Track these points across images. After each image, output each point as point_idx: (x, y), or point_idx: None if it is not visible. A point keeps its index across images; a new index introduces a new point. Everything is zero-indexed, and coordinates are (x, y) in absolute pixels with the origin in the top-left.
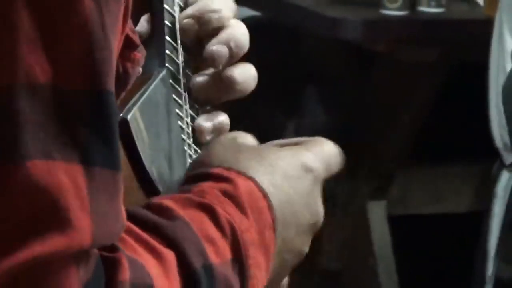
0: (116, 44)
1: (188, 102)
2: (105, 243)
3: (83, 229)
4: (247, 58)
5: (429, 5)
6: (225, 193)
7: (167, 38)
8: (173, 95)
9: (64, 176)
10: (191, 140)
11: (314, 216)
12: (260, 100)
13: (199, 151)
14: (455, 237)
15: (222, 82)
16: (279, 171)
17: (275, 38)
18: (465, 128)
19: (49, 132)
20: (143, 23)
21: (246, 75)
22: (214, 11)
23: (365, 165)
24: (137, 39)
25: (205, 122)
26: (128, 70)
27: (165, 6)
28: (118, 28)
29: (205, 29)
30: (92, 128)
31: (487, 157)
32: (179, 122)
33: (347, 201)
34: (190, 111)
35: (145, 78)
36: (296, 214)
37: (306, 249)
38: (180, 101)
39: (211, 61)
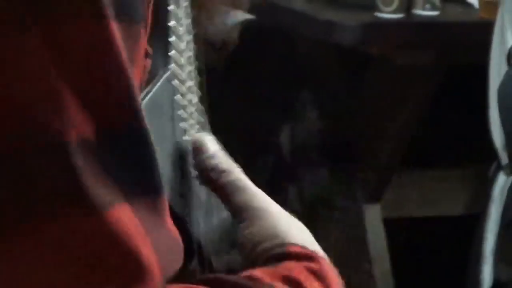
0: (136, 72)
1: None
2: (172, 268)
3: (154, 267)
4: (242, 61)
5: (424, 8)
6: (311, 271)
7: (171, 39)
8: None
9: (127, 219)
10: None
11: None
12: (255, 104)
13: None
14: (450, 240)
15: None
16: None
17: (270, 42)
18: (460, 131)
19: (101, 178)
20: None
21: None
22: None
23: (360, 168)
24: (149, 48)
25: None
26: (141, 77)
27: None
28: (136, 59)
29: None
30: (133, 163)
31: (482, 160)
32: (182, 124)
33: (343, 204)
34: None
35: (149, 79)
36: None
37: None
38: (183, 102)
39: None
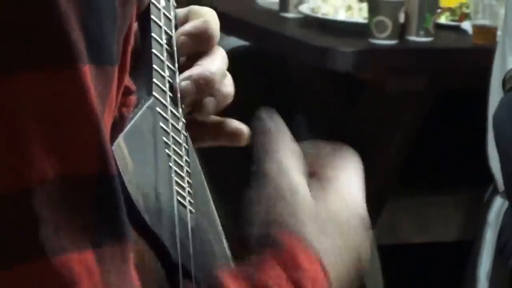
0: (108, 119)
1: (176, 130)
2: None
3: None
4: (235, 86)
5: (418, 35)
6: (293, 281)
7: (155, 66)
8: (161, 123)
9: (80, 268)
10: (183, 170)
11: (363, 256)
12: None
13: (187, 179)
14: (445, 266)
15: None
16: (338, 235)
17: (263, 68)
18: (452, 157)
19: (61, 225)
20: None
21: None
22: (209, 28)
23: None
24: (132, 85)
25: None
26: (124, 114)
27: (153, 34)
28: (109, 103)
29: (200, 45)
30: (100, 211)
31: (474, 185)
32: (166, 150)
33: None
34: (177, 138)
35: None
36: (348, 270)
37: None
38: (167, 129)
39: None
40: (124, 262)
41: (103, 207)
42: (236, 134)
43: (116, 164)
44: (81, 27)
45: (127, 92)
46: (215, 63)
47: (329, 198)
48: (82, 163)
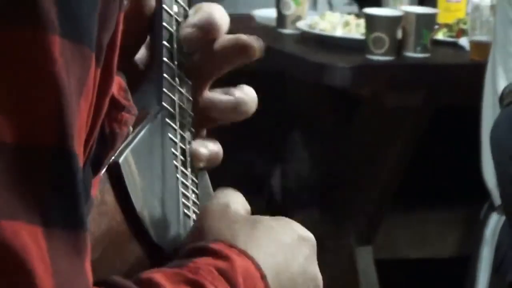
0: (84, 107)
1: (183, 140)
2: None
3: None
4: None
5: (415, 51)
6: (221, 272)
7: (165, 75)
8: (169, 134)
9: (28, 238)
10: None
11: (313, 282)
12: (245, 145)
13: (195, 190)
14: (442, 281)
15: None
16: (277, 245)
17: (261, 84)
18: (450, 173)
19: (13, 191)
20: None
21: (249, 96)
22: (215, 20)
23: (351, 210)
24: (124, 100)
25: (202, 149)
26: (115, 130)
27: (164, 42)
28: (86, 91)
29: (206, 38)
30: (54, 188)
31: (471, 202)
32: (174, 162)
33: (335, 246)
34: (185, 147)
35: (141, 117)
36: (295, 286)
37: None
38: (175, 139)
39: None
40: (77, 253)
41: (56, 183)
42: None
43: (123, 179)
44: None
45: (119, 107)
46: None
47: (271, 223)
48: (39, 133)
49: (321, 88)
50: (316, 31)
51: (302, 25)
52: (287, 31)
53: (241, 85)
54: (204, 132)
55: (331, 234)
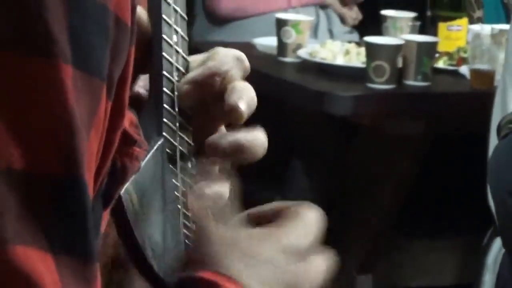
0: (94, 138)
1: (184, 169)
2: None
3: None
4: None
5: (415, 79)
6: None
7: (165, 106)
8: (170, 164)
9: (41, 264)
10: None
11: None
12: (245, 173)
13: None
14: None
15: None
16: (261, 262)
17: (261, 112)
18: (449, 201)
19: (23, 218)
20: (140, 84)
21: (256, 141)
22: (217, 74)
23: (352, 238)
24: (136, 135)
25: (206, 189)
26: (126, 165)
27: (164, 72)
28: (97, 123)
29: (208, 92)
30: (64, 216)
31: (472, 230)
32: (175, 192)
33: (335, 275)
34: (186, 178)
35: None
36: None
37: None
38: (175, 170)
39: (234, 113)
40: (87, 282)
41: (65, 211)
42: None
43: (124, 209)
44: (67, 28)
45: (130, 141)
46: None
47: (262, 238)
48: (49, 161)
49: (322, 116)
50: (317, 59)
51: (302, 53)
52: (288, 59)
53: (251, 128)
54: (215, 169)
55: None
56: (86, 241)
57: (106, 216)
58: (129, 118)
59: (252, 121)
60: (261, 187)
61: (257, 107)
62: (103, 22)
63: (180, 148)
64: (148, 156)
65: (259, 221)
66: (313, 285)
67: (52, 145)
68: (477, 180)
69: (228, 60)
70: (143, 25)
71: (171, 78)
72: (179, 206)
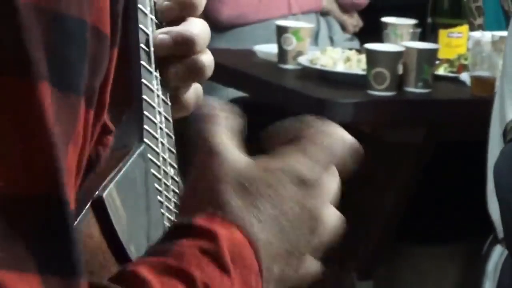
0: (73, 152)
1: (167, 176)
2: None
3: None
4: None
5: (416, 86)
6: (206, 252)
7: (146, 113)
8: (152, 170)
9: (25, 285)
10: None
11: (315, 230)
12: None
13: None
14: None
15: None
16: (268, 200)
17: (262, 119)
18: (450, 209)
19: (6, 241)
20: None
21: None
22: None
23: (352, 245)
24: (111, 125)
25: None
26: (100, 153)
27: (143, 80)
28: (75, 136)
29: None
30: (47, 237)
31: (472, 237)
32: (158, 197)
33: (336, 281)
34: (168, 183)
35: (123, 154)
36: (291, 241)
37: (313, 267)
38: (159, 175)
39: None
40: None
41: (48, 232)
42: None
43: (107, 213)
44: (45, 47)
45: (105, 131)
46: (197, 27)
47: (272, 165)
48: (29, 182)
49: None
50: (317, 66)
51: (303, 60)
52: (288, 66)
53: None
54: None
55: (332, 269)
56: (70, 258)
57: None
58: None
59: (252, 127)
60: None
61: (258, 114)
62: (81, 37)
63: (162, 154)
64: (130, 161)
65: (270, 146)
66: (318, 219)
67: (32, 165)
68: (478, 187)
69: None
70: None
71: (150, 86)
72: (163, 211)
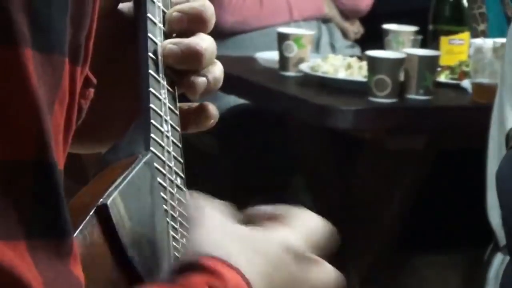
0: (59, 110)
1: (172, 184)
2: None
3: None
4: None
5: (417, 93)
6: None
7: (153, 122)
8: (158, 178)
9: (13, 254)
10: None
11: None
12: (247, 188)
13: (184, 233)
14: None
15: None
16: (261, 256)
17: (263, 126)
18: (452, 216)
19: None
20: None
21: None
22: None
23: (354, 253)
24: (93, 78)
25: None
26: (82, 106)
27: (151, 89)
28: (61, 95)
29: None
30: (36, 201)
31: (473, 246)
32: (164, 206)
33: None
34: (174, 192)
35: (129, 162)
36: None
37: None
38: (164, 184)
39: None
40: (62, 258)
41: (37, 195)
42: (211, 118)
43: (111, 220)
44: (26, 10)
45: (86, 84)
46: (206, 42)
47: (261, 232)
48: (17, 148)
49: (324, 130)
50: (319, 73)
51: (304, 67)
52: (290, 73)
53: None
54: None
55: None
56: (60, 220)
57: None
58: None
59: (254, 134)
60: (262, 202)
61: (259, 121)
62: None
63: (169, 163)
64: (135, 169)
65: (255, 222)
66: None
67: (19, 131)
68: (479, 195)
69: (207, 3)
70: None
71: (158, 95)
72: (168, 219)
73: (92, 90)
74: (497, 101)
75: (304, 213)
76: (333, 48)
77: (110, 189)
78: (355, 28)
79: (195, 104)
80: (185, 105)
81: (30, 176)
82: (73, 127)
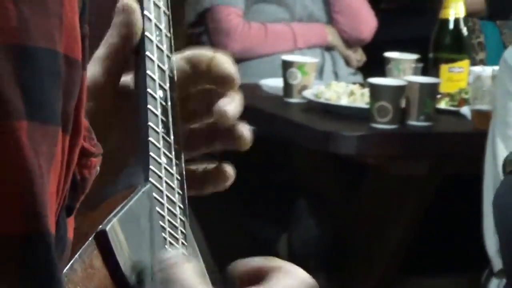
0: (53, 178)
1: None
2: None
3: None
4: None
5: (418, 119)
6: None
7: (152, 154)
8: (157, 208)
9: None
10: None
11: None
12: (252, 213)
13: None
14: None
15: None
16: None
17: (267, 152)
18: (450, 240)
19: None
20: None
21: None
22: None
23: (357, 278)
24: (91, 148)
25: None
26: (85, 176)
27: (150, 123)
28: (55, 163)
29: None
30: (26, 271)
31: (474, 268)
32: (163, 234)
33: None
34: (174, 222)
35: (129, 192)
36: None
37: None
38: (162, 213)
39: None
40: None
41: (29, 267)
42: (229, 179)
43: (110, 246)
44: (18, 82)
45: (87, 154)
46: (233, 104)
47: None
48: (11, 221)
49: (327, 156)
50: (322, 100)
51: (308, 94)
52: (294, 100)
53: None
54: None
55: None
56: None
57: (71, 224)
58: (84, 125)
59: (258, 160)
60: (266, 226)
61: (264, 147)
62: (54, 67)
63: (167, 193)
64: (134, 198)
65: (243, 280)
66: None
67: (14, 204)
68: (478, 219)
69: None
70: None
71: (155, 128)
72: (167, 247)
73: (94, 160)
74: (491, 131)
75: (289, 273)
76: (336, 76)
77: (109, 216)
78: (358, 56)
79: (212, 165)
80: (203, 166)
81: (17, 249)
82: (64, 193)
